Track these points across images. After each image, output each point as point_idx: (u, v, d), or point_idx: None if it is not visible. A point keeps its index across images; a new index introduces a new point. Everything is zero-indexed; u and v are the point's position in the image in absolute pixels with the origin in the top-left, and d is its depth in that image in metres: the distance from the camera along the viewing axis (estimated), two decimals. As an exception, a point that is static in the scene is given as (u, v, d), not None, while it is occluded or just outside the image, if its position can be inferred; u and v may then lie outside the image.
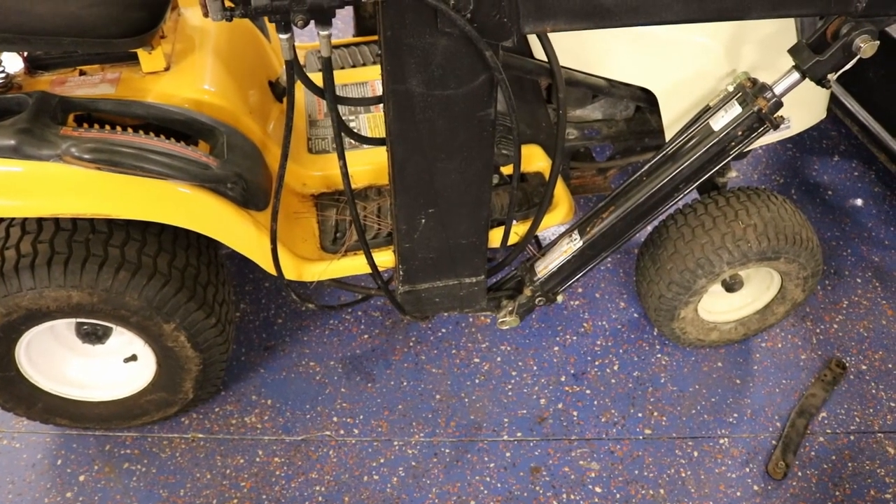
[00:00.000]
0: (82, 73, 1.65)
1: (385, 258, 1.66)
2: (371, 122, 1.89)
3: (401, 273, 1.60)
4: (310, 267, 1.64)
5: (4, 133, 1.38)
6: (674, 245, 1.80)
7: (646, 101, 1.73)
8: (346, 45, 2.19)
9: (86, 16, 1.45)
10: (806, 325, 2.19)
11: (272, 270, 1.58)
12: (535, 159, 1.82)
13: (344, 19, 2.74)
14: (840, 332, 2.18)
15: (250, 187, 1.52)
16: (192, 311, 1.61)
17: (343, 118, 1.90)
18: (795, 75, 1.48)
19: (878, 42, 1.38)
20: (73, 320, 1.67)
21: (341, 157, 1.33)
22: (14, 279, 1.49)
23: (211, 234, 1.52)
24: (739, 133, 1.53)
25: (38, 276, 1.49)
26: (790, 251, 1.79)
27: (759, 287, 1.99)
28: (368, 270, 1.58)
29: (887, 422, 1.98)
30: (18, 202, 1.44)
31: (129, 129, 1.48)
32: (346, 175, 1.35)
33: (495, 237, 1.64)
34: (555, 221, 1.73)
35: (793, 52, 1.49)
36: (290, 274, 1.61)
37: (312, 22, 1.12)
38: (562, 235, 1.72)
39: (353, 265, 1.66)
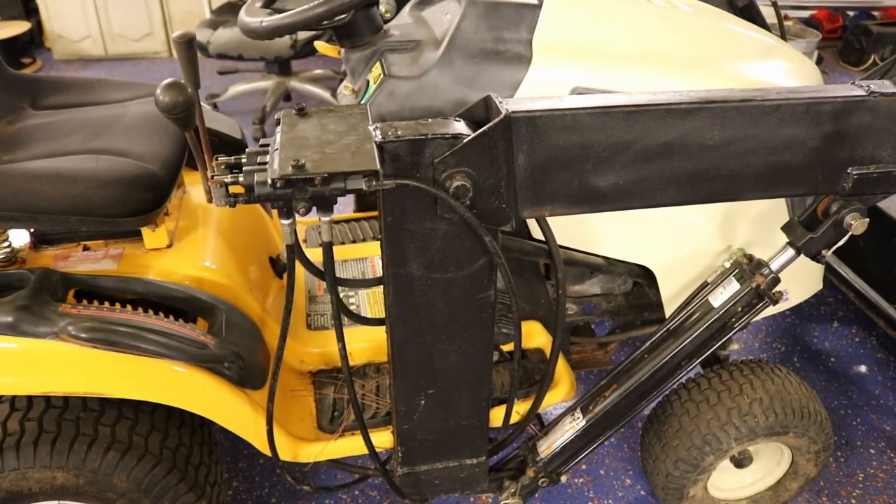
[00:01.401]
0: (86, 249, 1.67)
1: (384, 438, 1.61)
2: (370, 298, 1.90)
3: (399, 454, 1.55)
4: (306, 448, 1.59)
5: (3, 310, 1.38)
6: (679, 421, 1.75)
7: (643, 276, 1.75)
8: (347, 221, 2.24)
9: (93, 196, 1.49)
10: (822, 501, 2.10)
11: (267, 451, 1.53)
12: (534, 336, 1.82)
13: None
14: (858, 508, 2.09)
15: (248, 366, 1.50)
16: (183, 493, 1.55)
17: (343, 295, 1.91)
18: (790, 252, 1.51)
19: (867, 219, 1.41)
20: (55, 503, 1.60)
21: (340, 339, 1.32)
22: (-3, 460, 1.43)
23: (206, 414, 1.49)
24: (739, 309, 1.54)
25: (24, 456, 1.44)
26: (799, 425, 1.75)
27: (770, 462, 1.93)
28: (366, 451, 1.54)
29: None
30: (12, 380, 1.42)
31: (129, 306, 1.48)
32: (344, 357, 1.34)
33: (496, 416, 1.60)
34: (556, 399, 1.70)
35: (786, 229, 1.52)
36: (285, 455, 1.56)
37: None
38: (564, 414, 1.68)
39: (350, 446, 1.61)
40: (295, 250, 1.23)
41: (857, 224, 1.41)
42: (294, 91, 4.40)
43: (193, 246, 1.68)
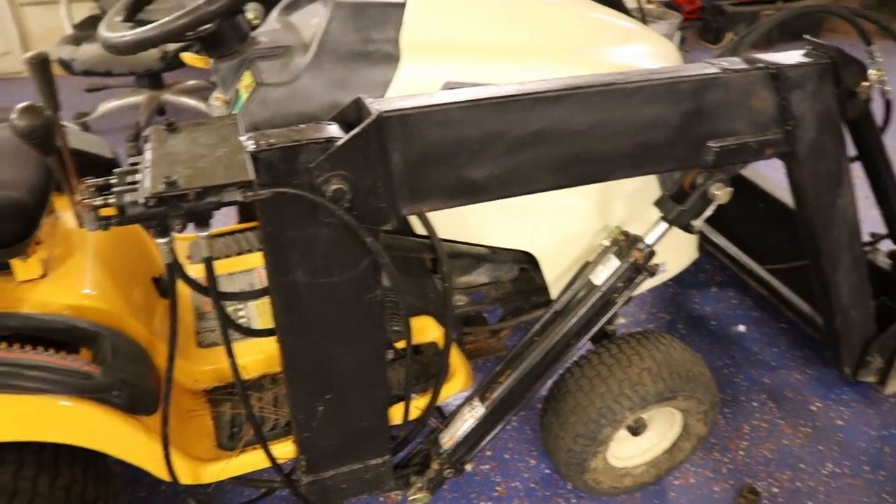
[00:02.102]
0: (-50, 287, 1.57)
1: (286, 449, 1.59)
2: (260, 309, 1.88)
3: (303, 463, 1.54)
4: (207, 468, 1.55)
5: None
6: (574, 398, 1.81)
7: (528, 261, 1.79)
8: (231, 233, 2.19)
9: (-46, 231, 1.41)
10: (714, 456, 2.22)
11: (167, 477, 1.49)
12: (427, 330, 1.84)
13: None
14: (747, 458, 2.21)
15: (137, 392, 1.45)
16: (81, 531, 1.48)
17: (231, 308, 1.87)
18: (663, 225, 1.58)
19: (731, 189, 1.50)
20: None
21: (230, 354, 1.30)
22: None
23: (96, 447, 1.42)
24: (620, 285, 1.60)
25: None
26: (686, 388, 1.83)
27: (663, 427, 2.02)
28: (269, 465, 1.52)
29: (807, 547, 1.99)
30: None
31: (3, 343, 1.41)
32: (236, 372, 1.32)
33: (396, 414, 1.62)
34: (454, 391, 1.72)
35: (658, 204, 1.59)
36: (186, 478, 1.52)
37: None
38: (463, 404, 1.71)
39: (252, 461, 1.58)
40: (175, 268, 1.20)
41: (722, 193, 1.50)
42: (168, 104, 4.26)
43: (70, 273, 1.61)
